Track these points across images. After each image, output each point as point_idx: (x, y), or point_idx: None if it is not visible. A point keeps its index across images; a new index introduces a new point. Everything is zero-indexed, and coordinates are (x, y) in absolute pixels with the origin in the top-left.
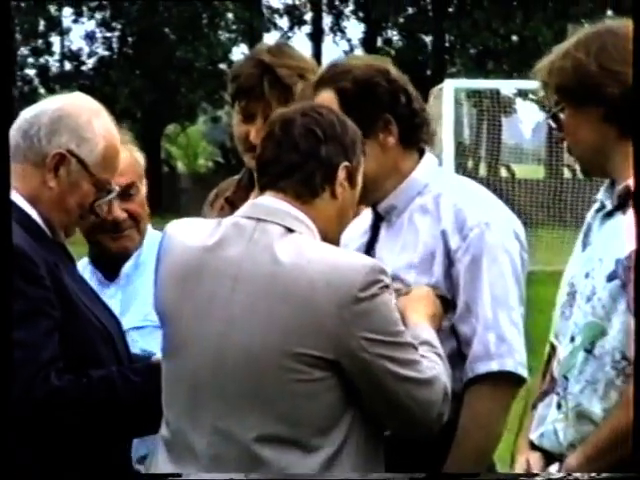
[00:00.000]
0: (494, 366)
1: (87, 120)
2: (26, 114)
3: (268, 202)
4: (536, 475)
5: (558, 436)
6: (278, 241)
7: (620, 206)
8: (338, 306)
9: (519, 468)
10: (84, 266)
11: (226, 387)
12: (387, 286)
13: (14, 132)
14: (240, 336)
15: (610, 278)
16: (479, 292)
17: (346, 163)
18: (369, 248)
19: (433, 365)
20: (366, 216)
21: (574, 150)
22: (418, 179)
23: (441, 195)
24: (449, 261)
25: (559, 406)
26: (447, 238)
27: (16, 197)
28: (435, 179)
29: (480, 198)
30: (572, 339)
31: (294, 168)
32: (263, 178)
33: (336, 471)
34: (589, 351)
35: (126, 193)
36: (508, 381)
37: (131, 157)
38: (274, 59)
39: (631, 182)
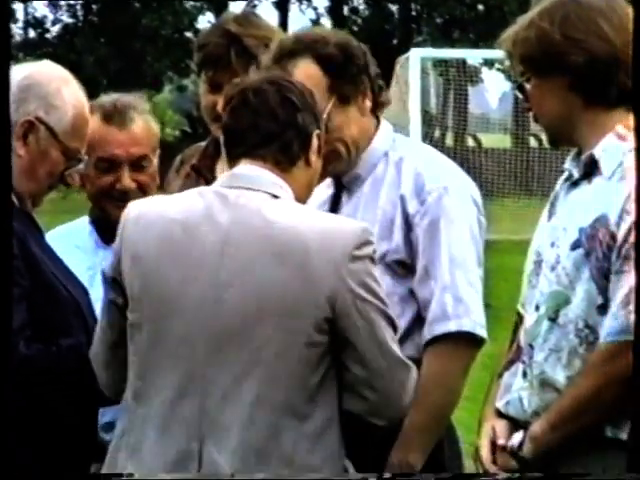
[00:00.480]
0: (452, 326)
1: (56, 88)
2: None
3: (248, 171)
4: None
5: (523, 404)
6: (266, 206)
7: (586, 175)
8: (335, 263)
9: (485, 435)
10: (84, 224)
11: (223, 353)
12: (375, 252)
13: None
14: (235, 300)
15: (574, 247)
16: (437, 255)
17: (318, 131)
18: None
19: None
20: (322, 187)
21: (541, 120)
22: (378, 147)
23: (403, 160)
24: (408, 226)
25: (524, 374)
26: (405, 203)
27: None
28: (393, 146)
29: (438, 163)
30: (537, 308)
31: (273, 136)
32: (239, 147)
33: (326, 441)
34: (553, 320)
35: (138, 164)
36: (467, 341)
37: (146, 128)
38: (241, 29)
39: (595, 151)
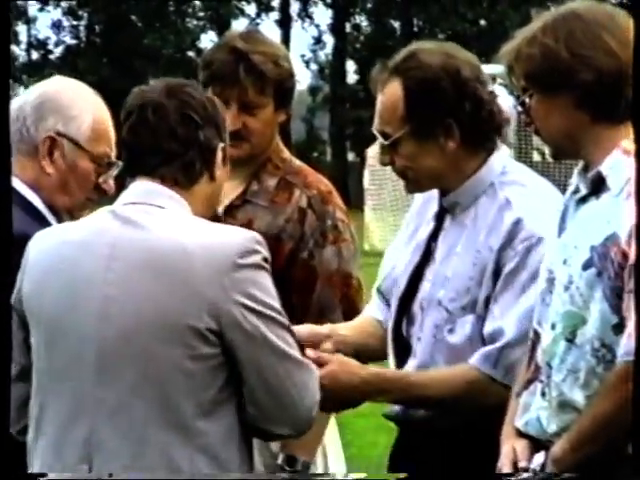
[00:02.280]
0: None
1: (70, 99)
2: (16, 104)
3: (142, 187)
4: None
5: (542, 424)
6: (151, 218)
7: (593, 192)
8: (218, 272)
9: (507, 455)
10: None
11: (111, 371)
12: (266, 259)
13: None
14: (118, 315)
15: (586, 267)
16: (509, 305)
17: (222, 144)
18: (434, 236)
19: (312, 365)
20: (433, 201)
21: (544, 135)
22: (482, 179)
23: (510, 203)
24: (496, 276)
25: (543, 394)
26: (500, 253)
27: (19, 185)
28: (501, 177)
29: (542, 208)
30: (553, 326)
31: (174, 157)
32: (138, 166)
33: (225, 454)
34: (570, 340)
35: None
36: None
37: None
38: (248, 45)
39: (602, 167)
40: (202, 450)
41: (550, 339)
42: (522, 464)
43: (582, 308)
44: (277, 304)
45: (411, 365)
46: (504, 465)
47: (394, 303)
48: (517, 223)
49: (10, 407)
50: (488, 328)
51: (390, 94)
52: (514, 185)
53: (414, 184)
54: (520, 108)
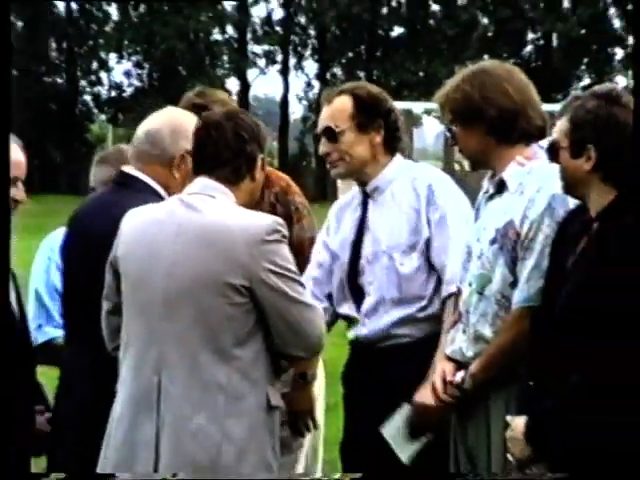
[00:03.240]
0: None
1: (190, 125)
2: (144, 128)
3: (202, 182)
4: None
5: (463, 352)
6: (206, 205)
7: (497, 191)
8: (249, 245)
9: (438, 374)
10: None
11: (174, 312)
12: (285, 236)
13: (141, 143)
14: (180, 274)
15: (492, 242)
16: (446, 239)
17: (262, 155)
18: (363, 218)
19: (318, 306)
20: (354, 194)
21: (465, 153)
22: (393, 169)
23: (416, 178)
24: (428, 223)
25: (464, 331)
26: (424, 208)
27: (153, 183)
28: (408, 169)
29: (442, 179)
30: (470, 284)
31: (227, 162)
32: (202, 167)
33: (253, 375)
34: (481, 293)
35: None
36: None
37: None
38: (203, 100)
39: (504, 174)
40: (237, 370)
41: (468, 293)
42: (449, 378)
43: (489, 271)
44: (292, 266)
45: (368, 302)
46: (437, 379)
47: (341, 268)
48: (430, 187)
49: (11, 407)
50: (437, 260)
51: (340, 102)
52: (417, 168)
53: (343, 168)
54: (448, 133)
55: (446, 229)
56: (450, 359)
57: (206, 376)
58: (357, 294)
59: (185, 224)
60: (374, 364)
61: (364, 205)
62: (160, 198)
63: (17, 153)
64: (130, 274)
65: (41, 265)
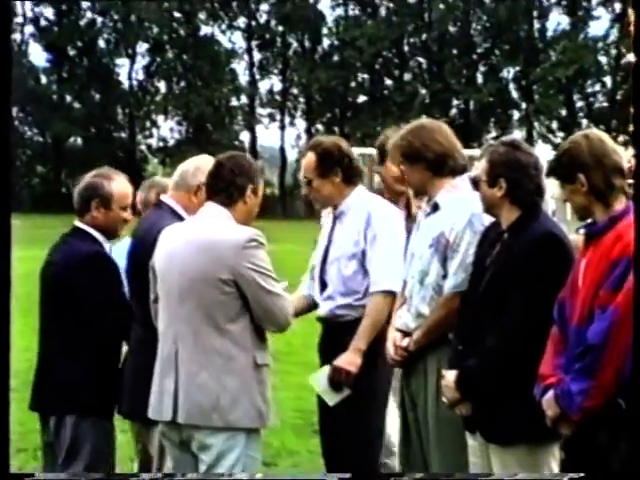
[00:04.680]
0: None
1: (207, 165)
2: (180, 167)
3: (209, 205)
4: None
5: (408, 325)
6: (207, 222)
7: (432, 211)
8: (233, 250)
9: (390, 339)
10: None
11: (184, 302)
12: (262, 243)
13: (176, 176)
14: (187, 273)
15: (430, 247)
16: (377, 251)
17: (251, 185)
18: (332, 231)
19: (286, 295)
20: (330, 216)
21: (410, 184)
22: (352, 199)
23: (367, 208)
24: (365, 239)
25: (408, 310)
26: (365, 228)
27: (176, 207)
28: (361, 200)
29: (380, 207)
30: (412, 277)
31: (222, 190)
32: (209, 193)
33: (241, 342)
34: (421, 283)
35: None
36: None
37: None
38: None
39: (437, 198)
40: (230, 339)
41: (411, 284)
42: (398, 343)
43: (427, 267)
44: (266, 265)
45: (328, 292)
46: (390, 346)
47: (317, 268)
48: (369, 213)
49: (9, 407)
50: (369, 266)
51: (307, 158)
52: (370, 199)
53: (318, 203)
54: (399, 172)
55: (376, 245)
56: (399, 330)
57: (207, 344)
58: (323, 285)
59: (191, 237)
60: (329, 333)
61: (334, 224)
62: (181, 218)
63: (126, 185)
64: (159, 273)
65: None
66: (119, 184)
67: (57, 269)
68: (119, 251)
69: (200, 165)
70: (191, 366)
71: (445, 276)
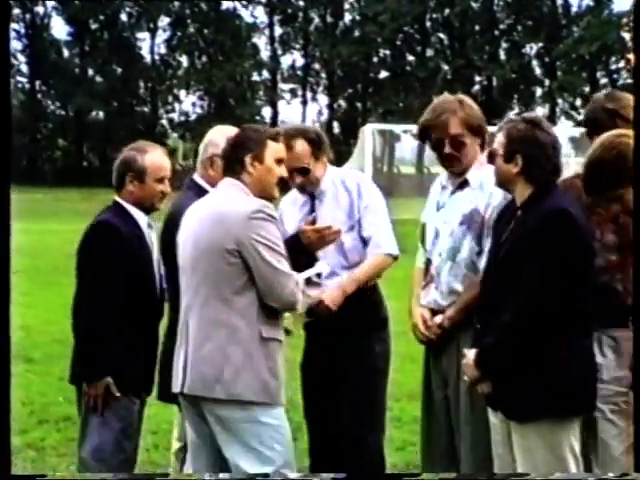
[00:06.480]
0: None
1: (220, 138)
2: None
3: (223, 180)
4: None
5: (438, 302)
6: (220, 195)
7: (458, 189)
8: (238, 221)
9: (418, 317)
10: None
11: (195, 271)
12: (271, 215)
13: (201, 149)
14: (198, 244)
15: (460, 224)
16: (372, 219)
17: (250, 154)
18: (312, 211)
19: (292, 273)
20: (293, 197)
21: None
22: (331, 177)
23: (344, 180)
24: (358, 210)
25: (436, 288)
26: (356, 199)
27: (203, 183)
28: (336, 175)
29: (363, 177)
30: (439, 255)
31: (227, 162)
32: (222, 169)
33: (247, 315)
34: (452, 260)
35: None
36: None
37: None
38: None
39: (469, 175)
40: (235, 312)
41: (439, 261)
42: (429, 322)
43: (458, 245)
44: (273, 238)
45: (323, 264)
46: (420, 323)
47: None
48: (358, 185)
49: (9, 407)
50: (367, 233)
51: (302, 146)
52: (342, 172)
53: (313, 186)
54: (429, 147)
55: (372, 212)
56: (427, 309)
57: (213, 316)
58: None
59: (204, 211)
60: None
61: (312, 202)
62: (205, 191)
63: (163, 158)
64: (179, 246)
65: None
66: (153, 156)
67: (80, 241)
68: None
69: (212, 137)
70: (198, 337)
71: (480, 253)
